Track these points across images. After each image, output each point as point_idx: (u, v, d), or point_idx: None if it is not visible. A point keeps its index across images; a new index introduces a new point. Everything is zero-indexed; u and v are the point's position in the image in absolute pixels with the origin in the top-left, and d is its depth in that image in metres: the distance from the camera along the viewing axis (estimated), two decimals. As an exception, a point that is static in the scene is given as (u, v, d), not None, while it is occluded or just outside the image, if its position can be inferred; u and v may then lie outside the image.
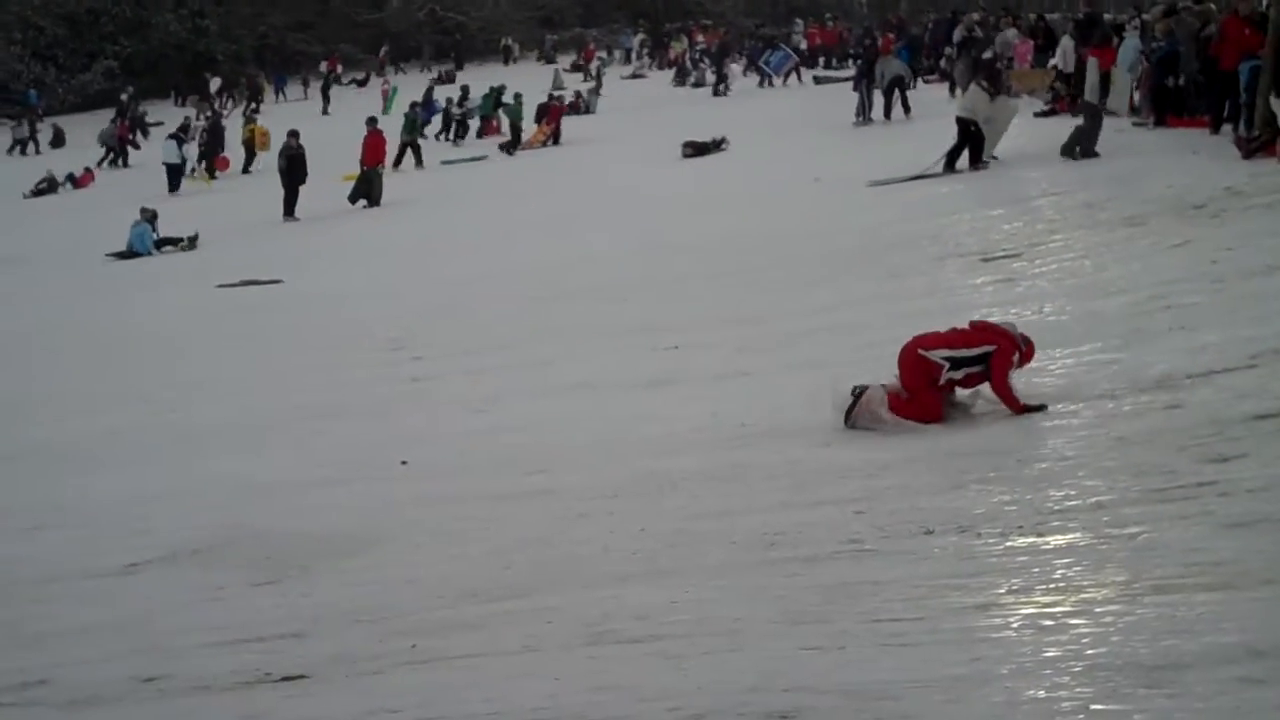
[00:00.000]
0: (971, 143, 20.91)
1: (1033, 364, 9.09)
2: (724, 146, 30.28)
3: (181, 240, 26.24)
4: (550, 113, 37.61)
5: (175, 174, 34.78)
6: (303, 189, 28.05)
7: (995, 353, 8.86)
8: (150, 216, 26.40)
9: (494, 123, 39.72)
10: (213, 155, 37.70)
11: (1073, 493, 6.93)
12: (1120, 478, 7.06)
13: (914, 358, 9.02)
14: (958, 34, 33.82)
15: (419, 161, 34.28)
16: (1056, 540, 6.29)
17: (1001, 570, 6.00)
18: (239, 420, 12.04)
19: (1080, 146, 19.52)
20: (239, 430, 11.64)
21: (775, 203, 20.99)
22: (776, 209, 20.30)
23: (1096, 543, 6.17)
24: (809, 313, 13.05)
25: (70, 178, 38.04)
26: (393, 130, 32.89)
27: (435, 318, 15.92)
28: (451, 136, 39.40)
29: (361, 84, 60.52)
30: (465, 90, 42.00)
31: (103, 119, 47.55)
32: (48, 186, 37.16)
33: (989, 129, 20.98)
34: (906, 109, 30.47)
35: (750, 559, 6.67)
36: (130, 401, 13.59)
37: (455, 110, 40.39)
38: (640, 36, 66.21)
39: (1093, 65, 20.26)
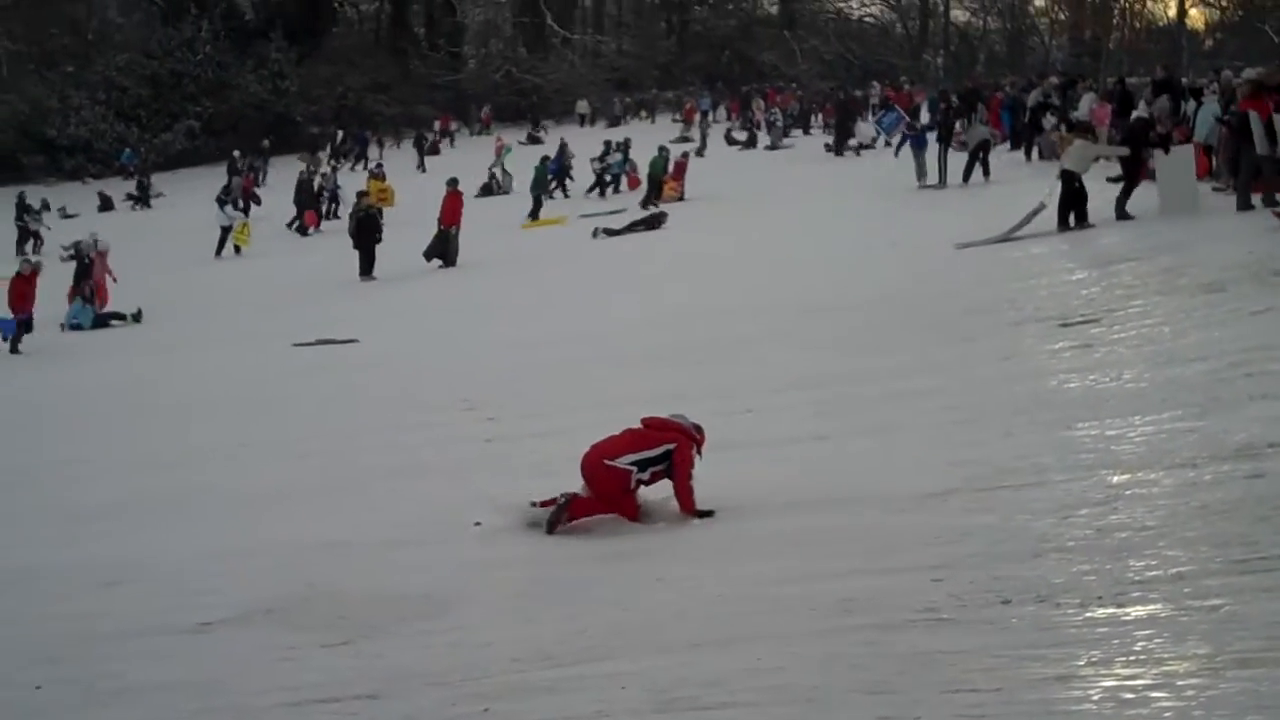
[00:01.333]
0: (1076, 200, 20.73)
1: (1108, 430, 9.01)
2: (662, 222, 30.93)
3: (125, 316, 26.45)
4: (677, 168, 37.79)
5: (224, 236, 35.42)
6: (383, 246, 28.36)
7: (676, 450, 9.25)
8: (87, 295, 26.79)
9: (634, 176, 40.11)
10: (303, 211, 38.26)
11: (1153, 563, 6.84)
12: (1201, 548, 6.96)
13: (601, 469, 9.28)
14: (1033, 99, 33.78)
15: (535, 215, 35.34)
16: (1137, 611, 6.20)
17: (1081, 641, 5.92)
18: (313, 479, 12.10)
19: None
20: (313, 489, 11.70)
21: (850, 266, 20.94)
22: (851, 272, 20.26)
23: (1178, 614, 6.08)
24: (884, 377, 12.98)
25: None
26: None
27: (508, 379, 15.95)
28: (599, 191, 39.98)
29: (421, 143, 60.86)
30: (608, 145, 42.58)
31: (186, 178, 48.41)
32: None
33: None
34: (986, 172, 30.44)
35: (826, 626, 6.62)
36: (205, 459, 13.70)
37: (597, 165, 41.01)
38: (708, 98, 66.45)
39: (1254, 118, 19.76)
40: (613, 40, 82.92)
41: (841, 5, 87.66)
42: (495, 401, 14.54)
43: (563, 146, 43.45)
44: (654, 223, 31.92)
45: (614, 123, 64.43)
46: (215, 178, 50.57)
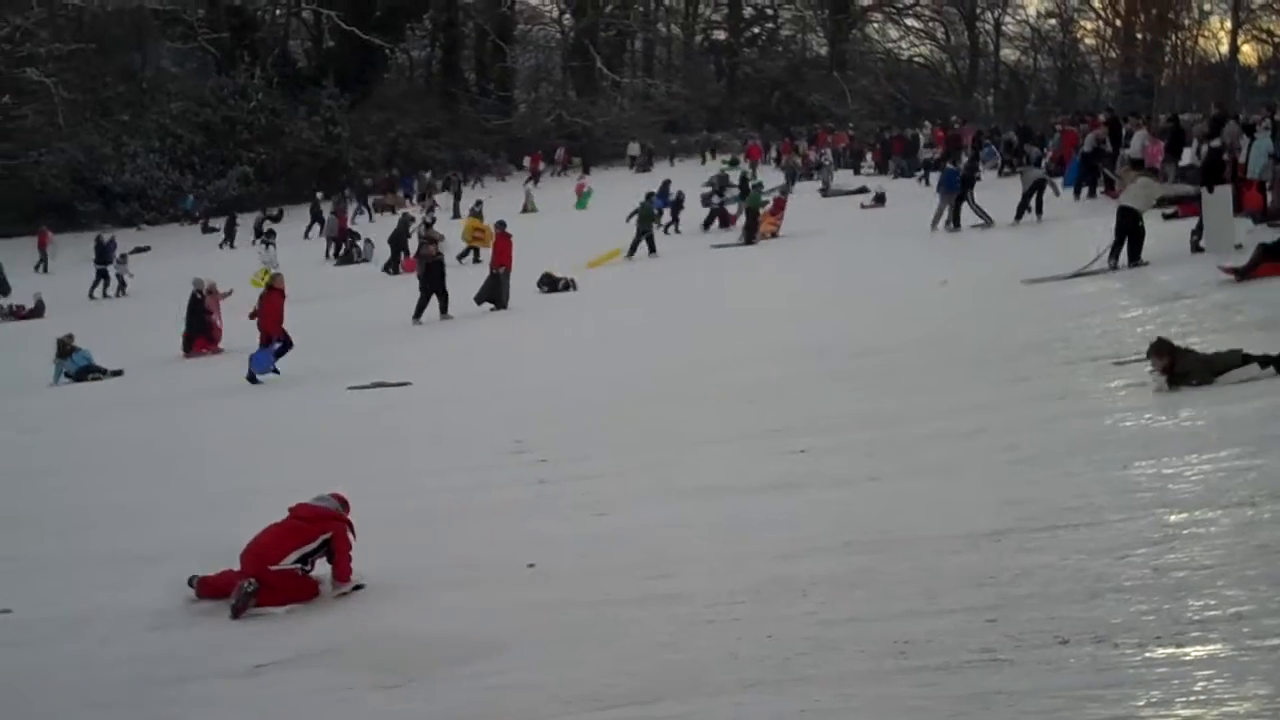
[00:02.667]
0: (1132, 238, 20.61)
1: (1165, 469, 8.92)
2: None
3: (105, 372, 26.57)
4: (776, 204, 37.85)
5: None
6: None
7: (334, 538, 9.61)
8: (65, 350, 26.85)
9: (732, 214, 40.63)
10: (398, 253, 38.81)
11: (1212, 602, 6.74)
12: (1261, 587, 6.86)
13: (269, 575, 9.42)
14: (1088, 144, 33.69)
15: (652, 249, 36.05)
16: (1196, 651, 6.11)
17: (1140, 682, 5.85)
18: (366, 522, 12.10)
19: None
20: (366, 531, 11.70)
21: (900, 305, 20.90)
22: (902, 312, 20.21)
23: (1238, 654, 5.99)
24: (937, 417, 12.92)
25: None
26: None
27: (560, 420, 15.97)
28: (715, 225, 40.52)
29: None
30: (723, 180, 42.94)
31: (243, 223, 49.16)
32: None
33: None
34: (1040, 211, 30.37)
35: (881, 667, 6.56)
36: (261, 502, 13.74)
37: (715, 200, 41.76)
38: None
39: None
40: (662, 83, 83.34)
41: (891, 45, 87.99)
42: (547, 443, 14.54)
43: (666, 183, 43.82)
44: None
45: (645, 167, 64.73)
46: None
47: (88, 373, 26.50)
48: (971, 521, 8.88)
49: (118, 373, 26.63)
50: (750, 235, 36.31)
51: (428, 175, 63.21)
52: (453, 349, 24.33)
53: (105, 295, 41.51)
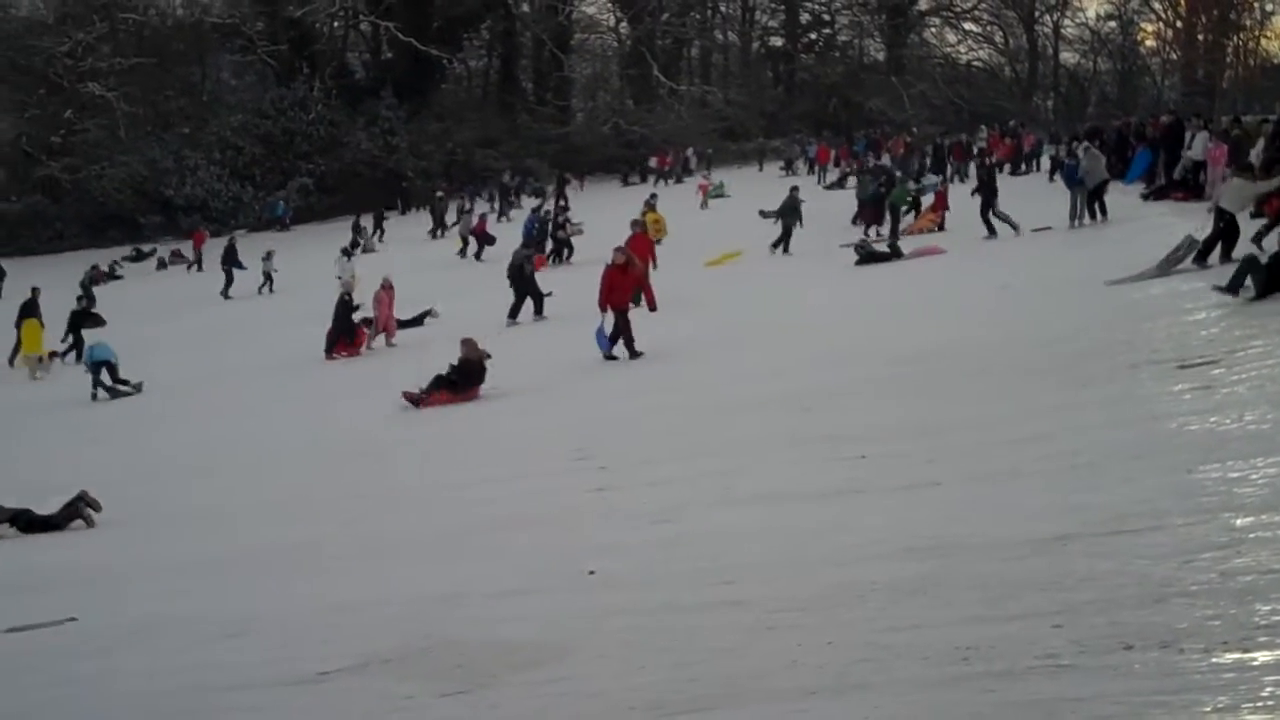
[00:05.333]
0: (1225, 237, 20.42)
1: (1230, 473, 8.83)
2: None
3: (128, 385, 26.86)
4: (939, 198, 37.25)
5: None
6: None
7: None
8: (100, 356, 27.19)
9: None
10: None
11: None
12: (1330, 592, 6.79)
13: None
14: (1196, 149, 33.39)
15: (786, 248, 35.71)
16: (1264, 656, 6.04)
17: (1206, 688, 5.78)
18: (427, 529, 12.18)
19: None
20: (428, 540, 11.78)
21: (960, 310, 20.80)
22: (961, 317, 20.11)
23: (1306, 660, 5.93)
24: (998, 422, 12.85)
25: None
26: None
27: (619, 427, 16.01)
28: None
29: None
30: (890, 178, 42.89)
31: (306, 233, 49.49)
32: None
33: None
34: (1104, 213, 30.17)
35: (942, 674, 6.52)
36: (323, 510, 13.85)
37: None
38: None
39: None
40: (719, 90, 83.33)
41: (949, 49, 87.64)
42: (609, 450, 14.56)
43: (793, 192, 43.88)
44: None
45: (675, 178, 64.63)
46: (328, 232, 51.56)
47: (100, 368, 26.83)
48: (1034, 527, 8.82)
49: (139, 387, 26.93)
50: (895, 234, 34.99)
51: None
52: (520, 353, 24.47)
53: (260, 292, 42.82)
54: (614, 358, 21.79)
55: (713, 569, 9.35)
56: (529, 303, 29.05)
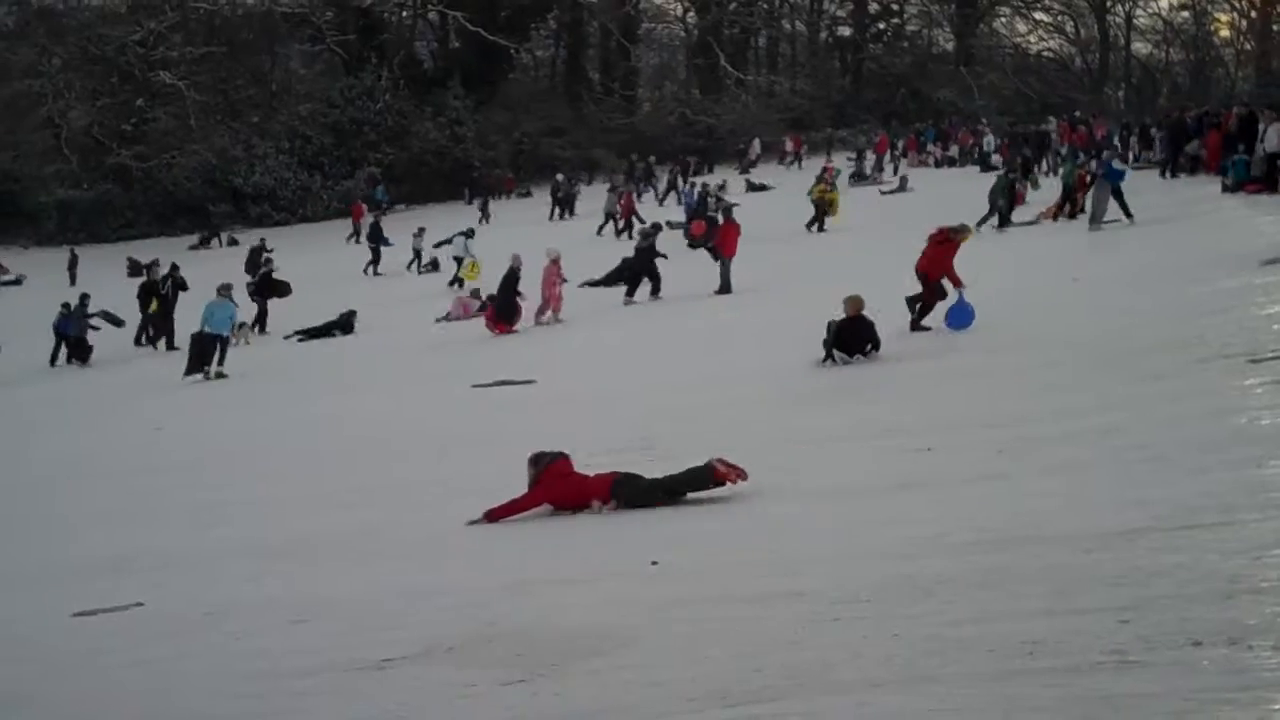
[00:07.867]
0: None
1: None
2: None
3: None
4: (1080, 182, 35.54)
5: (458, 266, 38.11)
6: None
7: None
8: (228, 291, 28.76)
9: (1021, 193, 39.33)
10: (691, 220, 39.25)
11: (1351, 605, 6.59)
12: (1403, 589, 6.70)
13: None
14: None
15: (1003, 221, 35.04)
16: (1334, 655, 5.98)
17: (1275, 685, 5.71)
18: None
19: None
20: (491, 528, 11.81)
21: (1030, 303, 20.65)
22: (1031, 309, 19.97)
23: (1378, 658, 5.85)
24: (1066, 415, 12.75)
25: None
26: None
27: (683, 419, 15.96)
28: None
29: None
30: (1027, 162, 42.71)
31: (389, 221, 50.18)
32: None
33: None
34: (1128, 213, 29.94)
35: (1008, 668, 6.47)
36: (387, 497, 13.92)
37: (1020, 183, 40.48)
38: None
39: None
40: (787, 80, 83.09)
41: (1019, 40, 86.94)
42: (669, 441, 14.54)
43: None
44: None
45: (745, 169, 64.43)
46: (398, 221, 51.84)
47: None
48: (1102, 520, 8.75)
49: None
50: (1065, 211, 34.63)
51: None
52: (583, 346, 24.51)
53: (419, 272, 43.94)
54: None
55: (776, 560, 9.34)
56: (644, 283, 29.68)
